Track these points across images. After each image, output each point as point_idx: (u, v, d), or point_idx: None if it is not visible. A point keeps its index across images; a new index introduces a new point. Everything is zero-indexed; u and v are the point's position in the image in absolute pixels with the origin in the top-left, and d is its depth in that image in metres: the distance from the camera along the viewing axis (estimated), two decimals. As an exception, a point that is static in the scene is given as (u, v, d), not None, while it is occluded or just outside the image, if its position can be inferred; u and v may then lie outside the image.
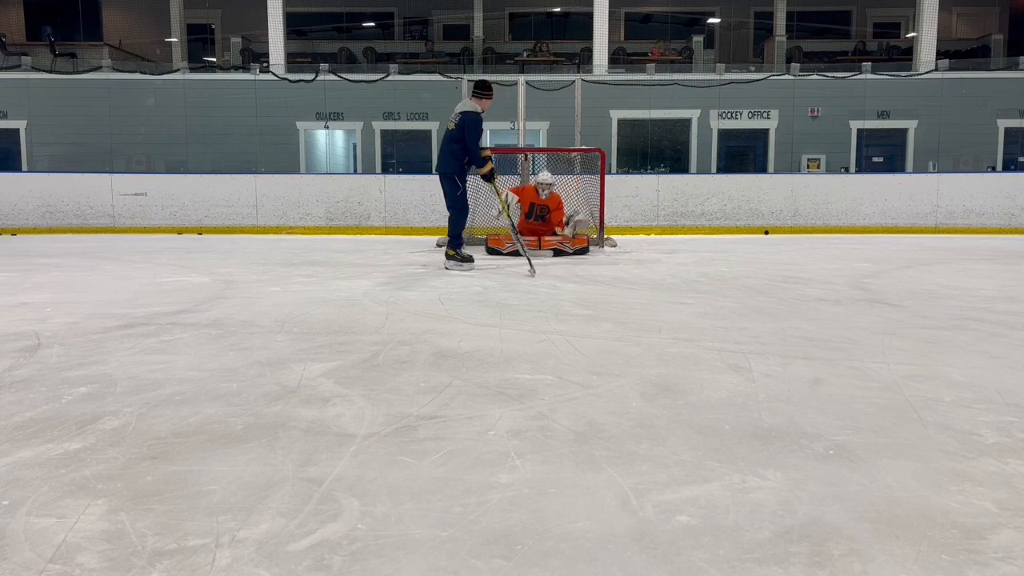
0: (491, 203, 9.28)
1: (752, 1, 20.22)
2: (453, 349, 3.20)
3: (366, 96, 15.57)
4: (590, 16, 16.06)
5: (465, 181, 6.85)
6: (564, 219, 8.42)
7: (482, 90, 6.78)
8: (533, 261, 6.69)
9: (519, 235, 7.05)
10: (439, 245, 8.92)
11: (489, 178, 6.84)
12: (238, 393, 2.52)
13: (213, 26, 20.49)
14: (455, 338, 3.44)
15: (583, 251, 8.01)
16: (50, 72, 15.95)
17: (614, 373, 2.80)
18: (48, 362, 2.97)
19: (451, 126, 6.76)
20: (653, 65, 16.35)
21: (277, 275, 5.97)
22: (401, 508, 1.62)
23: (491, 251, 7.94)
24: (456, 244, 6.64)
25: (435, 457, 1.93)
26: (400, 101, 15.82)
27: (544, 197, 8.30)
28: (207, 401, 2.42)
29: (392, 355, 3.08)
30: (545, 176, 8.35)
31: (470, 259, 6.63)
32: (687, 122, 15.98)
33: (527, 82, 9.97)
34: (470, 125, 6.66)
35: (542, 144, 15.22)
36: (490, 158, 6.77)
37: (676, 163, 16.17)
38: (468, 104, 6.75)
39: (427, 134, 16.06)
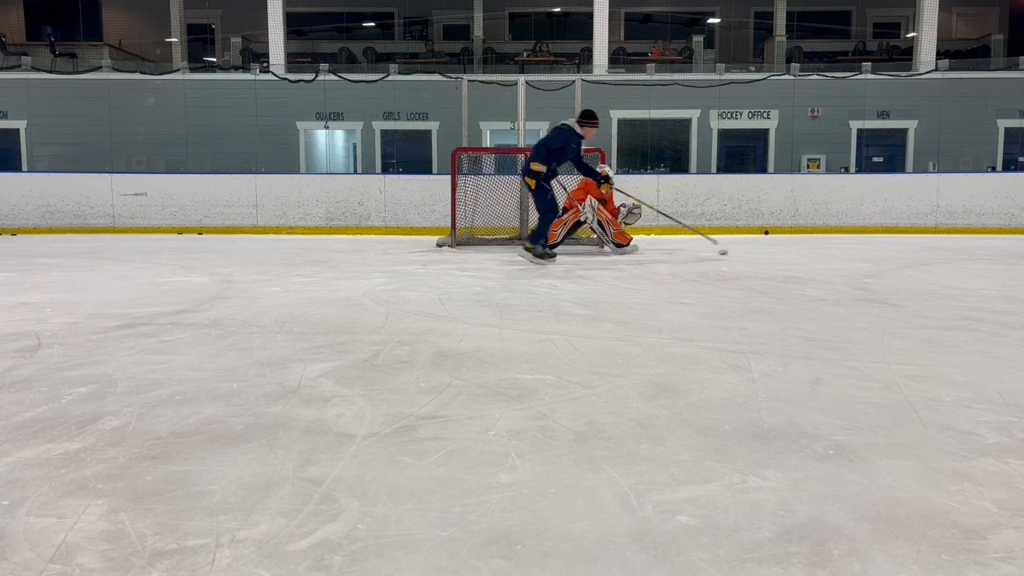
0: (490, 206, 9.30)
1: (752, 1, 20.22)
2: (453, 349, 3.20)
3: (366, 96, 15.58)
4: (590, 16, 16.06)
5: (550, 184, 7.35)
6: (618, 210, 8.50)
7: (585, 119, 7.36)
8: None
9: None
10: (439, 245, 8.94)
11: (535, 176, 7.25)
12: (238, 393, 2.52)
13: (213, 26, 20.49)
14: (455, 338, 3.44)
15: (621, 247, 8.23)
16: (50, 72, 15.95)
17: (614, 373, 2.80)
18: (48, 362, 2.97)
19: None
20: (653, 65, 16.35)
21: (277, 275, 5.97)
22: (401, 508, 1.62)
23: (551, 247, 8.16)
24: (536, 239, 7.27)
25: (435, 457, 1.93)
26: (400, 101, 15.82)
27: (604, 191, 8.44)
28: (207, 401, 2.42)
29: (392, 355, 3.08)
30: (607, 168, 8.43)
31: (552, 256, 7.13)
32: (687, 122, 15.99)
33: (527, 82, 9.97)
34: (553, 134, 7.29)
35: (542, 144, 15.20)
36: (540, 172, 7.20)
37: (676, 163, 16.17)
38: (571, 123, 7.30)
39: (427, 134, 16.06)
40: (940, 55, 15.69)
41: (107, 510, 1.61)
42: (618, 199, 8.55)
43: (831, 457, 1.94)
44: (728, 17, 20.34)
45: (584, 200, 8.25)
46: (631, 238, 8.34)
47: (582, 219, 8.24)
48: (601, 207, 8.20)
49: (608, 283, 5.58)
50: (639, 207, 8.54)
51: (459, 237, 8.99)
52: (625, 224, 8.44)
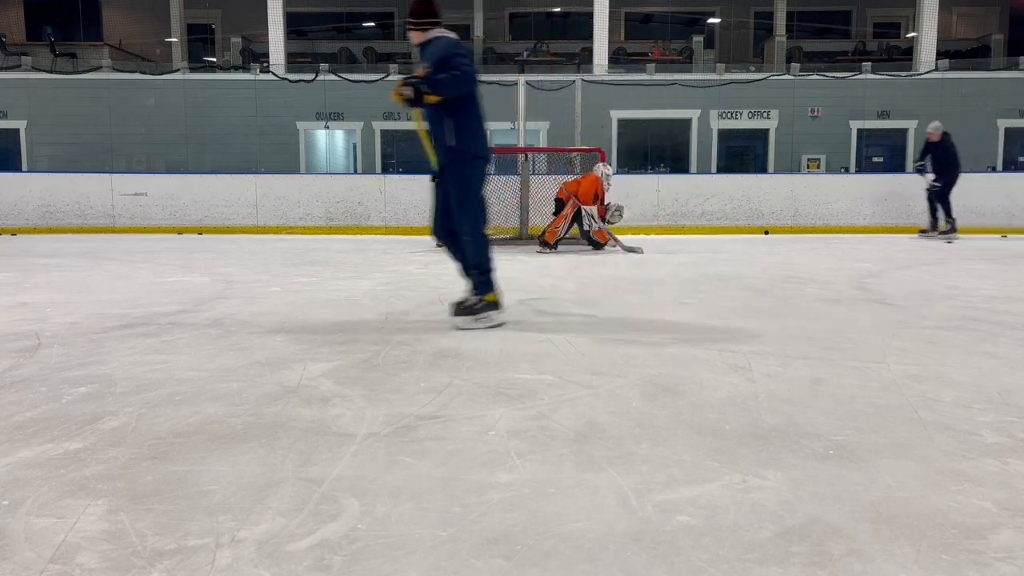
0: (490, 206, 9.31)
1: (752, 1, 20.22)
2: (453, 349, 3.20)
3: (366, 96, 15.57)
4: (590, 16, 16.07)
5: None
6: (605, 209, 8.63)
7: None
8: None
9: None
10: (439, 245, 8.93)
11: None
12: (238, 393, 2.52)
13: (213, 26, 20.50)
14: (455, 338, 3.44)
15: (599, 245, 8.39)
16: (50, 72, 15.95)
17: (614, 373, 2.80)
18: (48, 362, 2.97)
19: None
20: (653, 65, 16.36)
21: (277, 275, 5.97)
22: (401, 508, 1.62)
23: (545, 245, 8.30)
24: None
25: (435, 457, 1.93)
26: (400, 101, 15.79)
27: (607, 187, 8.51)
28: (207, 401, 2.42)
29: (392, 355, 3.08)
30: (609, 169, 8.60)
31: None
32: (687, 122, 15.99)
33: (527, 82, 9.98)
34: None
35: (542, 144, 15.22)
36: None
37: (676, 163, 16.17)
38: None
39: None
40: (940, 55, 15.69)
41: (107, 510, 1.61)
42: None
43: (831, 457, 1.94)
44: (728, 17, 20.35)
45: (576, 192, 8.31)
46: (608, 239, 8.41)
47: (586, 225, 8.31)
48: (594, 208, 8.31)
49: (608, 283, 5.58)
50: (622, 207, 8.59)
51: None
52: (609, 223, 8.51)
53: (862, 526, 1.54)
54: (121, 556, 1.41)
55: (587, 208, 8.23)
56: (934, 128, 10.23)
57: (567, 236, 8.48)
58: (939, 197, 10.16)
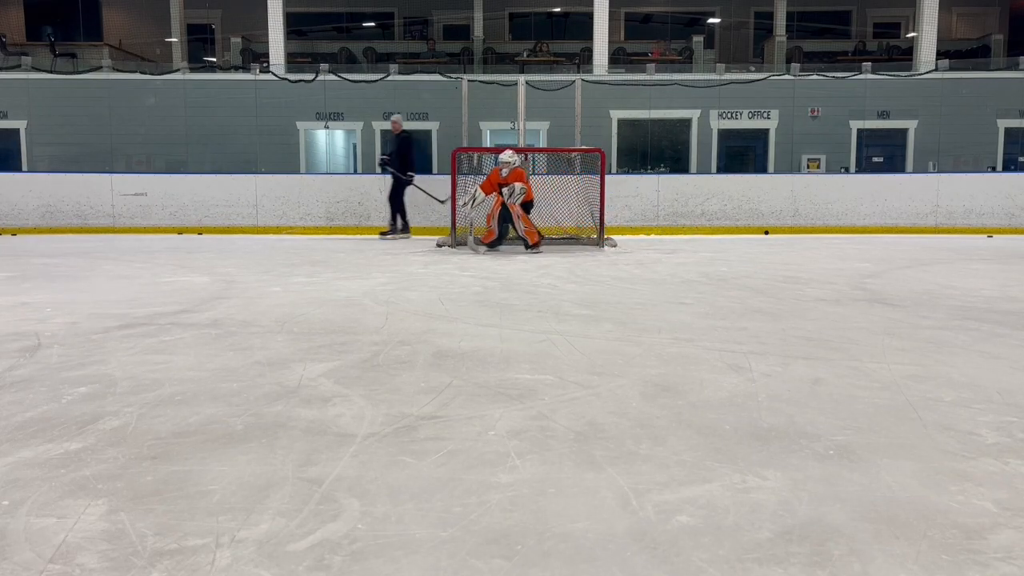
0: (490, 206, 9.30)
1: (752, 1, 20.21)
2: (453, 349, 3.20)
3: (366, 96, 15.56)
4: (590, 16, 16.05)
5: None
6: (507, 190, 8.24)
7: None
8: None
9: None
10: (439, 245, 8.94)
11: None
12: (238, 393, 2.52)
13: (213, 26, 20.49)
14: (455, 338, 3.44)
15: (535, 247, 8.24)
16: (50, 72, 15.93)
17: (614, 373, 2.80)
18: (48, 362, 2.97)
19: None
20: (653, 65, 16.34)
21: (277, 275, 5.97)
22: (401, 508, 1.62)
23: (490, 246, 8.33)
24: None
25: (435, 457, 1.93)
26: (400, 101, 15.80)
27: (504, 175, 8.21)
28: (207, 401, 2.42)
29: (392, 355, 3.08)
30: (505, 156, 8.31)
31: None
32: (687, 122, 15.97)
33: (527, 82, 9.97)
34: None
35: (542, 144, 15.22)
36: None
37: (676, 163, 16.16)
38: None
39: (427, 134, 16.05)
40: (940, 55, 15.68)
41: (107, 510, 1.61)
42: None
43: (831, 457, 1.94)
44: (728, 17, 20.34)
45: (490, 190, 8.18)
46: (540, 238, 8.28)
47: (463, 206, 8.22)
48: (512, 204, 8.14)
49: (608, 283, 5.58)
50: (515, 186, 8.13)
51: (459, 237, 9.00)
52: (511, 203, 8.14)
53: (862, 526, 1.54)
54: (121, 556, 1.41)
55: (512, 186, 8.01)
56: (397, 118, 10.26)
57: (508, 236, 8.42)
58: (399, 194, 10.16)
